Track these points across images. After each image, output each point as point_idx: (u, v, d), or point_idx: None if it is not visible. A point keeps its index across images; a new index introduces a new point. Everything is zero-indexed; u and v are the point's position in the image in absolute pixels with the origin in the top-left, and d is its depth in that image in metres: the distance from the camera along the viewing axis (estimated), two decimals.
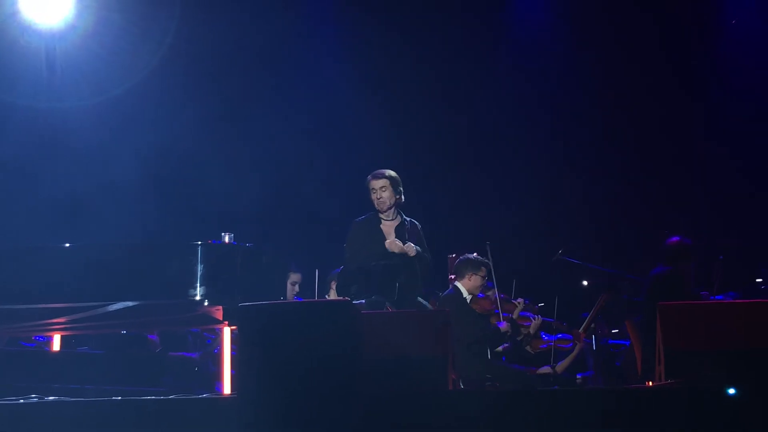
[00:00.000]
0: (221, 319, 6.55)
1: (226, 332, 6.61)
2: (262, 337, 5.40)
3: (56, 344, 7.46)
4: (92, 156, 10.23)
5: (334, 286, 8.32)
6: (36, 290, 6.42)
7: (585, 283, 9.73)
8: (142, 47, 10.36)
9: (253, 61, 11.03)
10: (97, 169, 10.23)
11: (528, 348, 8.50)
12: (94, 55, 10.15)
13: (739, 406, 5.41)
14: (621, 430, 5.47)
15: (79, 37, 9.93)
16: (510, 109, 11.41)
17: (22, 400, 5.94)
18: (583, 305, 9.03)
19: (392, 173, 7.42)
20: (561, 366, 8.37)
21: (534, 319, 8.32)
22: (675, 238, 8.65)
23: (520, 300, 8.31)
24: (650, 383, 6.37)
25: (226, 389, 6.45)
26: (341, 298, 7.23)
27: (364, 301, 7.17)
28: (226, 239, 6.52)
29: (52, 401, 6.06)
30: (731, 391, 5.42)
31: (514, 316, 8.19)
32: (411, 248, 7.30)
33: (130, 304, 6.35)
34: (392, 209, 7.45)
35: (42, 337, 8.41)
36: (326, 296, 8.43)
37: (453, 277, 8.22)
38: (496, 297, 8.15)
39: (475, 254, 8.17)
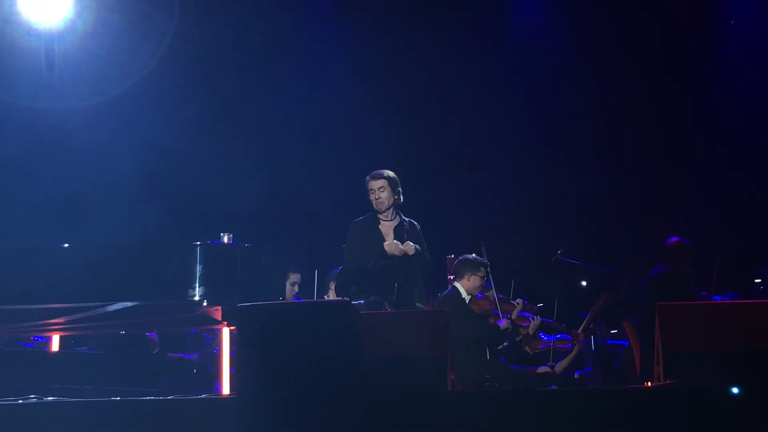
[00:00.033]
0: (220, 319, 6.55)
1: (225, 333, 6.62)
2: (261, 337, 5.40)
3: (55, 344, 7.46)
4: (91, 156, 10.23)
5: (332, 286, 8.32)
6: (35, 290, 6.42)
7: (584, 283, 9.73)
8: (141, 47, 10.36)
9: (252, 62, 11.04)
10: (96, 169, 10.23)
11: (527, 348, 8.50)
12: (93, 55, 10.15)
13: (738, 406, 5.41)
14: (620, 430, 5.47)
15: (78, 37, 9.92)
16: (509, 110, 11.40)
17: (21, 401, 5.93)
18: (582, 305, 9.03)
19: (391, 173, 7.41)
20: (560, 366, 8.37)
21: (533, 319, 8.32)
22: (674, 239, 8.66)
23: (518, 300, 8.31)
24: (649, 384, 6.37)
25: (225, 390, 6.45)
26: (340, 298, 7.22)
27: (363, 301, 7.18)
28: (225, 239, 6.52)
29: (51, 401, 6.06)
30: (735, 390, 5.42)
31: (513, 317, 8.19)
32: (410, 247, 7.29)
33: (128, 304, 6.35)
34: (391, 209, 7.45)
35: (41, 338, 8.40)
36: (325, 296, 8.43)
37: (452, 277, 8.22)
38: (494, 297, 8.15)
39: (473, 255, 8.17)
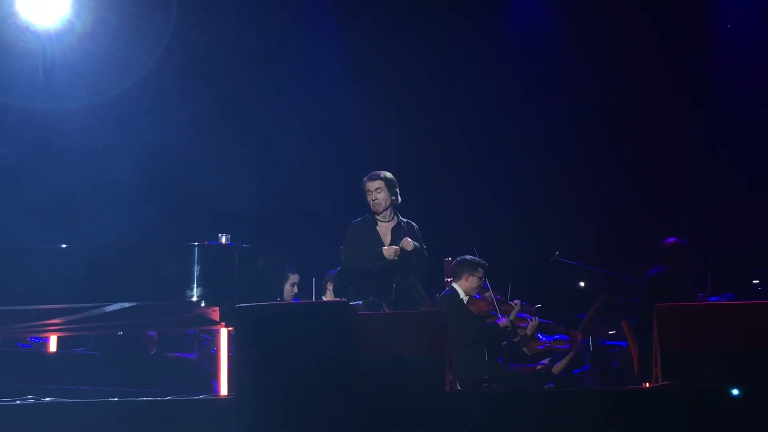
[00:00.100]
0: (218, 320, 6.54)
1: (223, 333, 6.61)
2: (258, 338, 5.40)
3: (53, 345, 7.45)
4: (89, 157, 10.23)
5: (330, 287, 8.32)
6: (32, 291, 6.42)
7: (582, 284, 9.72)
8: (139, 48, 10.36)
9: (250, 62, 11.04)
10: (93, 170, 10.23)
11: (525, 349, 8.49)
12: (90, 56, 10.15)
13: (736, 407, 5.40)
14: (618, 431, 5.46)
15: (75, 38, 9.93)
16: (508, 110, 11.40)
17: (18, 401, 5.93)
18: (580, 306, 9.02)
19: (388, 174, 7.40)
20: (558, 367, 8.37)
21: (531, 320, 8.31)
22: (671, 239, 8.66)
23: (516, 301, 8.29)
24: (647, 384, 6.36)
25: (223, 390, 6.45)
26: (338, 299, 7.22)
27: (360, 302, 7.17)
28: (223, 240, 6.52)
29: (49, 402, 6.06)
30: (735, 391, 5.41)
31: (511, 318, 8.17)
32: (408, 243, 7.26)
33: (126, 305, 6.35)
34: (388, 210, 7.44)
35: (38, 338, 8.40)
36: (323, 297, 8.43)
37: (449, 280, 8.20)
38: (492, 298, 8.14)
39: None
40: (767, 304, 6.94)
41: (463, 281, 7.99)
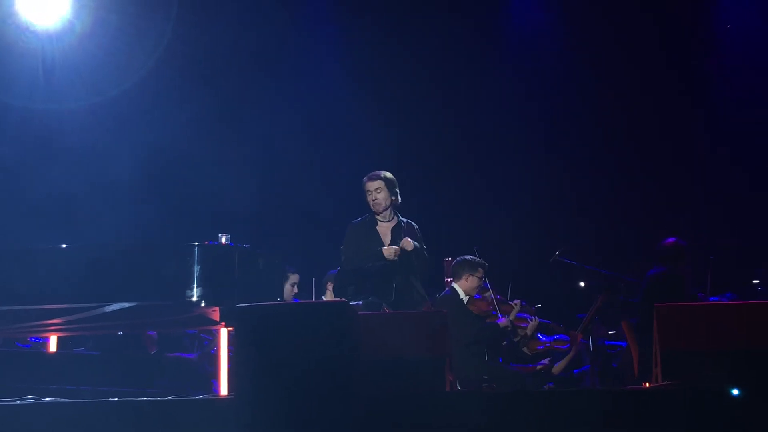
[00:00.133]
0: (218, 320, 6.54)
1: (223, 333, 6.61)
2: (258, 338, 5.40)
3: (53, 345, 7.45)
4: (89, 157, 10.23)
5: (330, 287, 8.32)
6: (32, 291, 6.42)
7: (582, 284, 9.72)
8: (139, 48, 10.36)
9: (250, 62, 11.04)
10: (93, 170, 10.23)
11: (525, 349, 8.49)
12: (90, 56, 10.15)
13: (736, 407, 5.40)
14: (618, 431, 5.46)
15: (75, 38, 9.93)
16: (508, 110, 11.40)
17: (18, 401, 5.93)
18: (580, 306, 9.02)
19: (388, 174, 7.39)
20: (558, 367, 8.37)
21: (531, 320, 8.31)
22: (670, 239, 8.65)
23: (516, 301, 8.29)
24: (647, 384, 6.36)
25: (223, 390, 6.44)
26: (338, 299, 7.22)
27: (360, 302, 7.17)
28: (223, 240, 6.52)
29: (49, 402, 6.06)
30: (735, 392, 5.41)
31: (511, 318, 8.18)
32: (408, 243, 7.26)
33: (126, 305, 6.35)
34: (388, 210, 7.43)
35: (37, 338, 8.40)
36: (322, 297, 8.42)
37: (449, 280, 8.20)
38: (492, 298, 8.14)
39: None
40: (767, 305, 6.92)
41: (463, 281, 7.99)
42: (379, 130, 10.99)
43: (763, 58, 10.96)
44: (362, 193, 7.44)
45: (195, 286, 6.30)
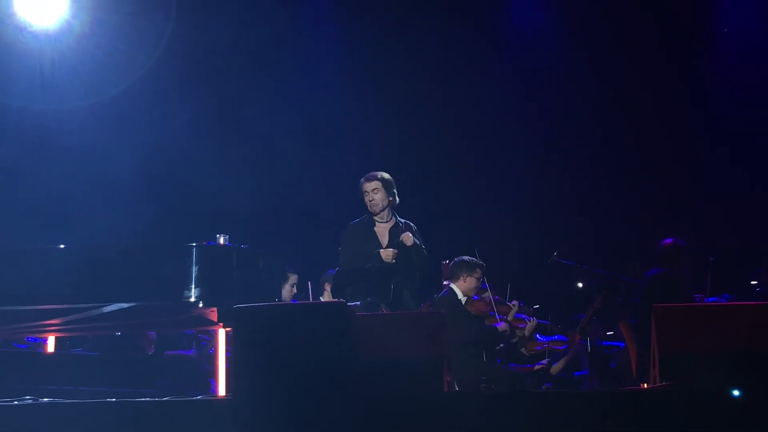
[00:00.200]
0: (216, 320, 6.53)
1: (221, 334, 6.60)
2: (257, 338, 5.40)
3: (51, 346, 7.45)
4: (87, 157, 10.23)
5: (328, 288, 8.32)
6: (30, 292, 6.41)
7: (580, 284, 9.71)
8: (138, 48, 10.36)
9: (249, 63, 11.03)
10: (92, 170, 10.23)
11: (523, 350, 8.49)
12: (89, 56, 10.15)
13: (734, 408, 5.40)
14: None
15: (74, 38, 9.92)
16: (508, 110, 11.40)
17: (16, 402, 5.93)
18: (578, 307, 9.01)
19: (385, 175, 7.39)
20: (556, 368, 8.37)
21: (529, 321, 8.31)
22: (669, 240, 8.64)
23: (514, 302, 8.29)
24: (645, 385, 6.36)
25: (221, 391, 6.44)
26: (336, 299, 7.21)
27: (359, 303, 7.16)
28: (221, 240, 6.52)
29: (47, 403, 6.05)
30: (735, 392, 5.41)
31: (509, 318, 8.17)
32: (408, 237, 7.26)
33: (124, 305, 6.35)
34: (386, 211, 7.43)
35: (35, 339, 8.40)
36: (320, 298, 8.42)
37: (447, 282, 8.19)
38: (490, 299, 8.14)
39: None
40: (765, 306, 6.91)
41: (461, 282, 7.98)
42: (378, 130, 10.99)
43: (763, 58, 10.96)
44: (359, 193, 7.44)
45: (193, 286, 6.29)
